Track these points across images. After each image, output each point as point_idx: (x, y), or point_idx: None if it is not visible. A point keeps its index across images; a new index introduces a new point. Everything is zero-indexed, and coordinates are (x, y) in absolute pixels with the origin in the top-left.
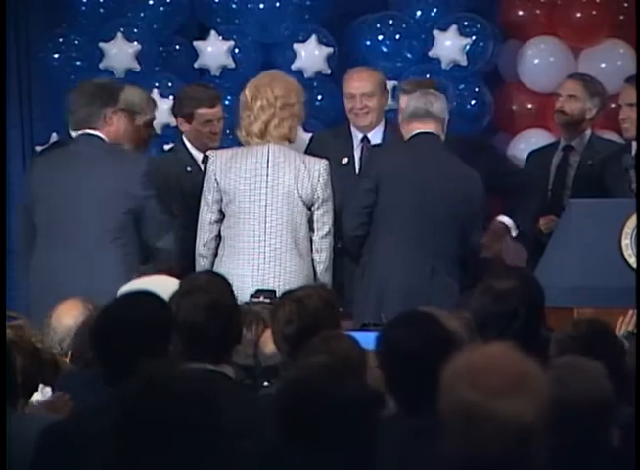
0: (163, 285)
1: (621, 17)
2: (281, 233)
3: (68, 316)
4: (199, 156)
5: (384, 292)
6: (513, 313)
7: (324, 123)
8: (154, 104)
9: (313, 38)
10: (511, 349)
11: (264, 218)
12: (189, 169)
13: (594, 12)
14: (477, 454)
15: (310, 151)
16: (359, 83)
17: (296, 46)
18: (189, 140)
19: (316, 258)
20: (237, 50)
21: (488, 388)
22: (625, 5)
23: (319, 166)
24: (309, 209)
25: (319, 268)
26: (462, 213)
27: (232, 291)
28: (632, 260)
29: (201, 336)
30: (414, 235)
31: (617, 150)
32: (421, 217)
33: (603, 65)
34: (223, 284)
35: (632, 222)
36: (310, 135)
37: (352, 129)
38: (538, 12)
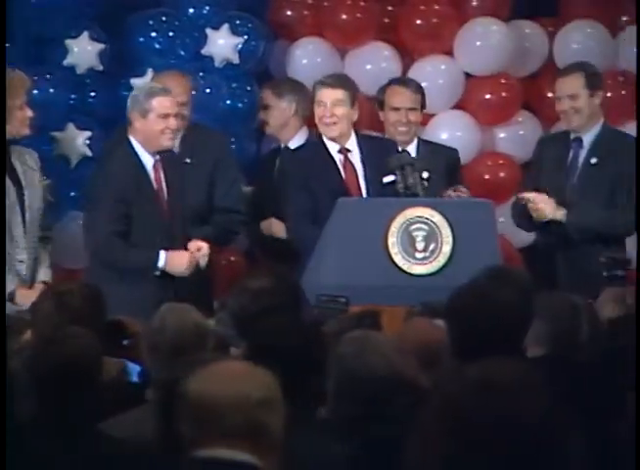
0: None
1: (386, 20)
2: None
3: None
4: None
5: None
6: (272, 310)
7: (97, 120)
8: None
9: (85, 34)
10: (239, 361)
11: None
12: None
13: (359, 14)
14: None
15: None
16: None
17: (67, 42)
18: None
19: None
20: (8, 45)
21: (220, 379)
22: (389, 9)
23: None
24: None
25: None
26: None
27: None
28: (398, 258)
29: None
30: None
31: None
32: None
33: (368, 66)
34: None
35: (398, 222)
36: (88, 133)
37: None
38: (306, 13)
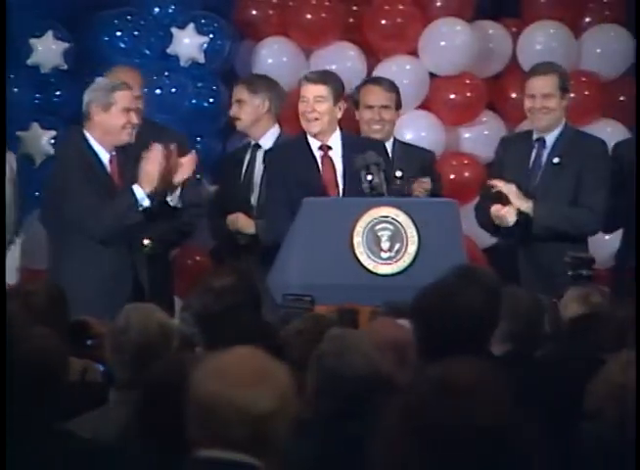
0: None
1: (351, 20)
2: None
3: None
4: None
5: None
6: (235, 308)
7: (62, 120)
8: None
9: (50, 33)
10: (255, 350)
11: None
12: None
13: (323, 14)
14: (218, 437)
15: None
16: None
17: (32, 41)
18: None
19: None
20: None
21: (231, 380)
22: (354, 9)
23: None
24: None
25: None
26: None
27: None
28: (363, 258)
29: None
30: None
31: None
32: None
33: (333, 66)
34: None
35: (364, 221)
36: (52, 133)
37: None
38: (271, 12)
